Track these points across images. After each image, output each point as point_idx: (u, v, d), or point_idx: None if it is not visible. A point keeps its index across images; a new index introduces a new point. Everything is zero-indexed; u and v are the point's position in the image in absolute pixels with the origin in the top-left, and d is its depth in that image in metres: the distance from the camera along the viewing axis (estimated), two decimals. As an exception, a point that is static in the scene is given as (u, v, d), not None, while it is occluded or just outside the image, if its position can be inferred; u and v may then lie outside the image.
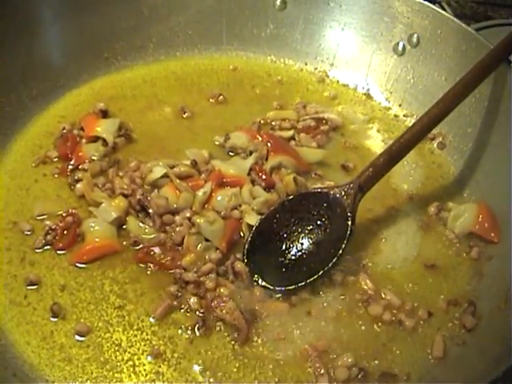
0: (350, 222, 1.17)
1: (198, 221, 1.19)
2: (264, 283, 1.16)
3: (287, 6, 1.60)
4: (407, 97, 1.52)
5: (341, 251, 1.16)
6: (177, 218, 1.23)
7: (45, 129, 1.44)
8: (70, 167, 1.34)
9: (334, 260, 1.16)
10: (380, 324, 1.13)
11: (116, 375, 1.05)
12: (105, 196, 1.27)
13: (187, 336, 1.09)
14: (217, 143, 1.41)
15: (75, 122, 1.43)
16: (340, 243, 1.16)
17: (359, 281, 1.17)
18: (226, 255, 1.19)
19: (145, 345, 1.08)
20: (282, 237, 1.20)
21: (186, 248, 1.18)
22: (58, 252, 1.20)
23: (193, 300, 1.12)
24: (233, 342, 1.08)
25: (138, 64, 1.61)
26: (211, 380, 1.05)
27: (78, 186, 1.29)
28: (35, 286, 1.16)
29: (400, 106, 1.53)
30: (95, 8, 1.55)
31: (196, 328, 1.10)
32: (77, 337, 1.09)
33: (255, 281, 1.16)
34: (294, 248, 1.19)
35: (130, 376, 1.05)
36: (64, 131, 1.41)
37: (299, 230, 1.20)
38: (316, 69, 1.62)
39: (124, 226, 1.24)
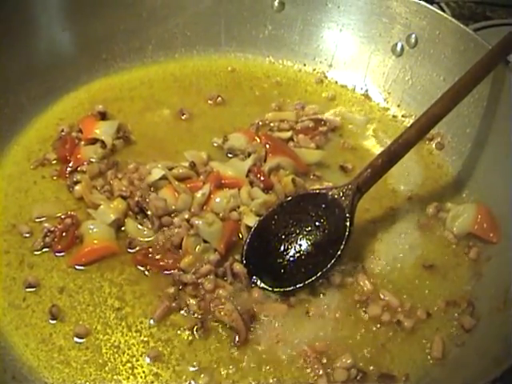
0: (348, 223, 1.17)
1: (197, 222, 1.19)
2: (262, 284, 1.16)
3: (285, 8, 1.60)
4: (405, 97, 1.52)
5: (339, 252, 1.16)
6: (175, 219, 1.23)
7: (43, 131, 1.44)
8: (69, 169, 1.34)
9: (333, 261, 1.16)
10: (379, 325, 1.13)
11: (115, 377, 1.05)
12: (103, 198, 1.27)
13: (186, 338, 1.09)
14: (215, 145, 1.41)
15: (74, 124, 1.43)
16: (338, 244, 1.16)
17: (358, 282, 1.18)
18: (225, 257, 1.19)
19: (143, 347, 1.08)
20: (281, 238, 1.20)
21: (185, 250, 1.19)
22: (57, 254, 1.21)
23: (191, 302, 1.12)
24: (231, 344, 1.08)
25: (137, 66, 1.61)
26: (210, 381, 1.05)
27: (77, 188, 1.29)
28: (34, 289, 1.16)
29: (398, 106, 1.53)
30: (93, 10, 1.55)
31: (195, 330, 1.10)
32: (75, 339, 1.09)
33: (254, 282, 1.16)
34: (293, 249, 1.19)
35: (128, 378, 1.05)
36: (62, 133, 1.41)
37: (298, 231, 1.20)
38: (314, 70, 1.62)
39: (123, 228, 1.24)
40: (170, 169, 1.30)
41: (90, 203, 1.27)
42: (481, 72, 1.25)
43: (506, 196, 1.24)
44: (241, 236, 1.23)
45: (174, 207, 1.24)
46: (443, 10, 1.63)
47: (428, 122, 1.26)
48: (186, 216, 1.22)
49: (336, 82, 1.60)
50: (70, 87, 1.53)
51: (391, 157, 1.24)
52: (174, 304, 1.13)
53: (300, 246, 1.19)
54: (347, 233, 1.17)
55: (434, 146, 1.44)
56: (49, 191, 1.32)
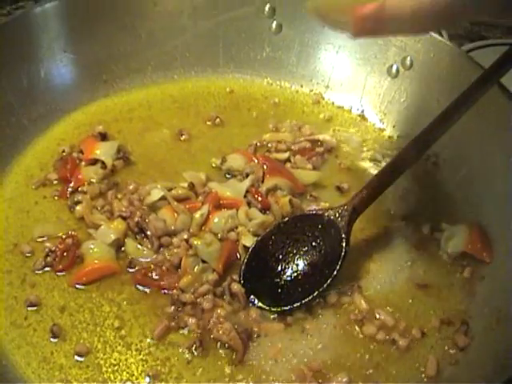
0: (344, 244, 1.19)
1: (195, 243, 1.21)
2: (260, 304, 1.17)
3: (283, 30, 1.62)
4: (401, 118, 1.54)
5: (335, 272, 1.18)
6: (174, 239, 1.24)
7: (45, 151, 1.46)
8: (70, 189, 1.36)
9: (329, 281, 1.17)
10: (374, 343, 1.14)
11: (114, 395, 1.07)
12: (104, 218, 1.29)
13: (185, 356, 1.11)
14: (214, 165, 1.43)
15: (74, 145, 1.45)
16: (334, 264, 1.18)
17: (353, 301, 1.19)
18: (223, 276, 1.20)
19: (143, 365, 1.10)
20: (278, 258, 1.21)
21: (184, 269, 1.20)
22: (58, 273, 1.22)
23: (190, 321, 1.14)
24: (229, 362, 1.10)
25: (136, 87, 1.63)
26: (208, 400, 1.06)
27: (78, 208, 1.31)
28: (35, 307, 1.17)
29: (394, 127, 1.54)
30: (93, 33, 1.57)
31: (193, 348, 1.11)
32: (76, 357, 1.11)
33: (251, 301, 1.18)
34: (290, 269, 1.20)
35: (128, 396, 1.07)
36: (63, 154, 1.43)
37: (294, 251, 1.22)
38: (311, 91, 1.64)
39: (122, 248, 1.25)
40: (170, 189, 1.32)
41: (91, 223, 1.28)
42: (475, 94, 1.26)
43: (499, 216, 1.26)
44: (239, 256, 1.24)
45: (173, 227, 1.26)
46: (439, 30, 1.64)
47: (423, 143, 1.28)
48: (185, 236, 1.24)
49: (333, 103, 1.62)
50: (70, 108, 1.55)
51: (387, 178, 1.26)
52: (172, 323, 1.14)
53: (297, 265, 1.20)
54: (343, 253, 1.19)
55: (429, 165, 1.45)
56: (50, 211, 1.33)
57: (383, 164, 1.41)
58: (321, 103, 1.62)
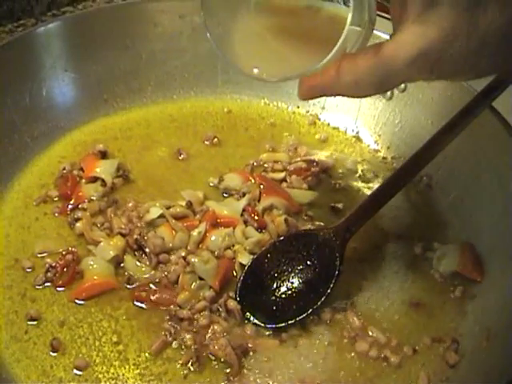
0: (338, 263, 1.21)
1: (193, 260, 1.23)
2: (255, 320, 1.19)
3: (280, 52, 1.64)
4: (395, 140, 1.56)
5: (329, 290, 1.20)
6: (172, 257, 1.26)
7: (46, 168, 1.48)
8: (70, 206, 1.37)
9: (323, 299, 1.19)
10: (367, 360, 1.16)
11: (113, 409, 1.09)
12: (103, 235, 1.31)
13: (181, 371, 1.12)
14: (211, 184, 1.45)
15: (75, 163, 1.47)
16: (329, 282, 1.20)
17: (347, 318, 1.20)
18: (219, 293, 1.22)
19: (140, 379, 1.11)
20: (273, 276, 1.23)
21: (181, 286, 1.22)
22: (58, 289, 1.24)
23: (187, 336, 1.15)
24: (225, 377, 1.11)
25: (136, 106, 1.65)
26: (204, 414, 1.08)
27: (78, 224, 1.33)
28: (35, 322, 1.19)
29: (388, 148, 1.57)
30: (95, 52, 1.60)
31: (190, 363, 1.13)
32: (75, 371, 1.12)
33: (247, 318, 1.19)
34: (285, 287, 1.22)
35: (126, 410, 1.09)
36: (64, 171, 1.44)
37: (289, 269, 1.23)
38: (308, 112, 1.66)
39: (121, 264, 1.27)
40: (168, 207, 1.34)
41: (91, 240, 1.30)
42: (467, 116, 1.28)
43: (490, 236, 1.28)
44: (235, 274, 1.26)
45: (171, 245, 1.28)
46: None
47: (416, 165, 1.30)
48: (183, 254, 1.26)
49: (328, 124, 1.64)
50: (71, 126, 1.57)
51: (381, 198, 1.28)
52: (170, 338, 1.16)
53: (292, 283, 1.22)
54: (337, 272, 1.21)
55: (421, 186, 1.47)
56: (50, 227, 1.35)
57: (377, 185, 1.43)
58: (317, 124, 1.65)
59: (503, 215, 1.26)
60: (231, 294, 1.22)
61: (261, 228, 1.32)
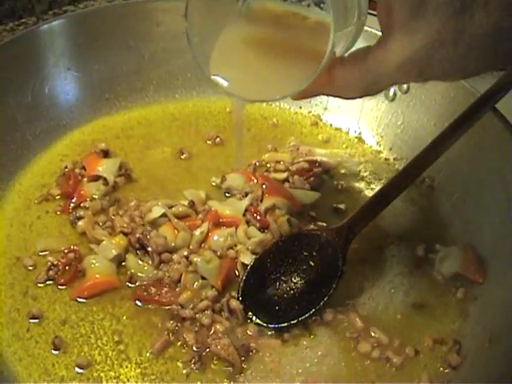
0: (340, 263, 1.21)
1: (195, 259, 1.23)
2: (258, 320, 1.19)
3: (283, 52, 1.64)
4: (397, 141, 1.56)
5: (332, 291, 1.20)
6: (175, 256, 1.26)
7: (48, 167, 1.48)
8: (72, 205, 1.37)
9: (325, 299, 1.19)
10: (369, 361, 1.16)
11: (114, 407, 1.09)
12: (105, 234, 1.31)
13: (183, 370, 1.12)
14: (213, 184, 1.45)
15: (77, 161, 1.47)
16: (331, 283, 1.20)
17: (349, 319, 1.20)
18: (222, 293, 1.22)
19: (143, 379, 1.11)
20: (276, 276, 1.23)
21: (183, 286, 1.22)
22: (60, 287, 1.23)
23: (189, 336, 1.15)
24: (227, 377, 1.11)
25: (138, 105, 1.66)
26: (206, 413, 1.08)
27: (80, 223, 1.33)
28: (37, 320, 1.19)
29: (390, 149, 1.57)
30: (97, 51, 1.60)
31: (192, 363, 1.13)
32: (77, 369, 1.12)
33: (249, 318, 1.19)
34: (287, 287, 1.22)
35: (128, 409, 1.09)
36: (66, 170, 1.44)
37: (292, 269, 1.23)
38: (310, 112, 1.67)
39: (123, 263, 1.27)
40: (170, 207, 1.34)
41: (93, 238, 1.30)
42: (470, 118, 1.28)
43: (492, 238, 1.28)
44: (237, 273, 1.26)
45: (173, 244, 1.28)
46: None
47: (419, 166, 1.30)
48: (185, 253, 1.26)
49: (331, 125, 1.65)
50: (73, 125, 1.58)
51: (383, 199, 1.28)
52: (172, 338, 1.16)
53: (294, 284, 1.22)
54: (339, 272, 1.21)
55: (424, 188, 1.47)
56: (52, 226, 1.35)
57: (379, 186, 1.43)
58: (319, 125, 1.65)
59: (505, 217, 1.26)
60: (233, 293, 1.22)
61: (263, 228, 1.32)
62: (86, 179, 1.42)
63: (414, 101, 1.53)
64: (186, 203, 1.36)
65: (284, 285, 1.22)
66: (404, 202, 1.42)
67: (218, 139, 1.57)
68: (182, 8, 1.27)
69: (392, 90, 1.56)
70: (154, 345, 1.15)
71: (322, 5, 1.05)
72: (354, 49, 1.05)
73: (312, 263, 1.23)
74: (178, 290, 1.22)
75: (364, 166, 1.54)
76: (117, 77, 1.64)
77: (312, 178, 1.46)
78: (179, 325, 1.17)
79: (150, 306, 1.21)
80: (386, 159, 1.56)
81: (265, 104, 1.67)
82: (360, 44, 1.05)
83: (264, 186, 1.39)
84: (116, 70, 1.63)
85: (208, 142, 1.57)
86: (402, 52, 0.94)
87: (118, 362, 1.14)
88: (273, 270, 1.24)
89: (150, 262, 1.26)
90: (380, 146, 1.59)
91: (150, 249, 1.26)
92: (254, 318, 1.19)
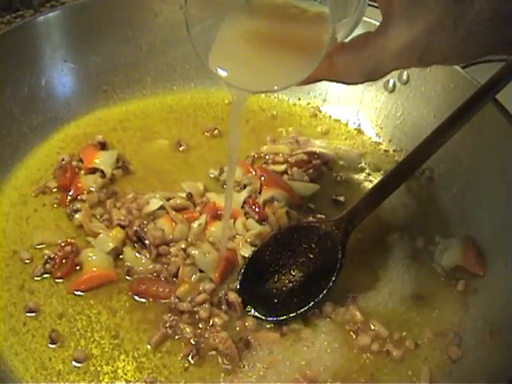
0: (340, 256, 1.20)
1: (193, 252, 1.22)
2: (256, 313, 1.18)
3: (281, 44, 1.63)
4: (397, 133, 1.55)
5: (331, 283, 1.19)
6: (172, 249, 1.25)
7: (44, 159, 1.47)
8: (69, 198, 1.37)
9: (325, 292, 1.18)
10: (368, 354, 1.15)
11: (112, 401, 1.08)
12: (102, 226, 1.30)
13: (181, 364, 1.12)
14: (212, 176, 1.44)
15: (74, 154, 1.46)
16: (330, 275, 1.19)
17: (349, 312, 1.20)
18: (220, 286, 1.21)
19: (140, 372, 1.11)
20: (274, 268, 1.22)
21: (181, 278, 1.21)
22: (57, 280, 1.23)
23: (187, 329, 1.15)
24: (225, 370, 1.11)
25: (136, 97, 1.64)
26: (204, 407, 1.07)
27: (77, 216, 1.32)
28: (34, 314, 1.18)
29: (390, 141, 1.56)
30: (95, 43, 1.59)
31: (190, 356, 1.12)
32: (74, 363, 1.11)
33: (248, 311, 1.19)
34: (286, 279, 1.21)
35: (125, 403, 1.08)
36: (63, 162, 1.43)
37: (291, 262, 1.23)
38: (309, 104, 1.66)
39: (121, 256, 1.26)
40: (168, 199, 1.33)
41: (90, 231, 1.29)
42: (470, 109, 1.28)
43: (492, 230, 1.28)
44: (236, 266, 1.25)
45: (171, 237, 1.27)
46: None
47: (418, 158, 1.29)
48: (183, 246, 1.25)
49: (330, 117, 1.63)
50: (70, 117, 1.56)
51: (383, 191, 1.27)
52: (169, 331, 1.15)
53: (293, 276, 1.21)
54: (339, 265, 1.20)
55: (423, 180, 1.46)
56: (49, 219, 1.34)
57: (379, 178, 1.43)
58: (318, 116, 1.64)
59: (506, 209, 1.25)
60: (232, 286, 1.21)
61: (262, 220, 1.31)
62: (83, 172, 1.42)
63: (414, 92, 1.52)
64: (183, 195, 1.35)
65: (283, 277, 1.22)
66: (403, 193, 1.41)
67: (216, 131, 1.56)
68: (179, -2, 1.27)
69: (391, 82, 1.55)
70: (152, 338, 1.14)
71: None
72: (354, 34, 1.04)
73: (311, 255, 1.23)
74: (174, 283, 1.22)
75: (363, 158, 1.53)
76: (114, 68, 1.62)
77: (311, 170, 1.45)
78: (177, 318, 1.17)
79: (147, 300, 1.20)
80: (386, 151, 1.55)
81: (263, 96, 1.66)
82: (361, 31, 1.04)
83: (262, 178, 1.38)
84: (113, 61, 1.62)
85: (206, 133, 1.56)
86: (402, 38, 0.94)
87: (115, 356, 1.13)
88: (271, 263, 1.23)
89: (148, 255, 1.25)
90: (379, 137, 1.58)
91: (147, 242, 1.25)
92: (252, 311, 1.19)
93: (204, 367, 1.12)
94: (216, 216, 1.31)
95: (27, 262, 1.26)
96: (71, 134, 1.54)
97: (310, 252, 1.23)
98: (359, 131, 1.60)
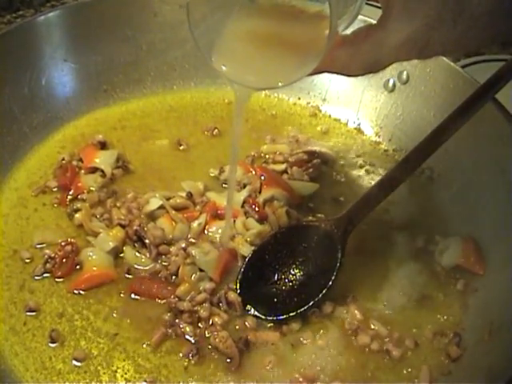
0: (339, 255, 1.20)
1: (193, 251, 1.22)
2: (256, 313, 1.18)
3: (280, 43, 1.63)
4: (397, 132, 1.55)
5: (331, 283, 1.19)
6: (172, 248, 1.25)
7: (44, 159, 1.47)
8: (69, 197, 1.37)
9: (324, 291, 1.19)
10: (368, 353, 1.15)
11: (112, 400, 1.08)
12: (102, 226, 1.30)
13: (181, 363, 1.12)
14: (212, 175, 1.44)
15: (74, 153, 1.46)
16: (330, 275, 1.19)
17: (348, 311, 1.20)
18: (220, 285, 1.21)
19: (140, 372, 1.11)
20: (274, 268, 1.22)
21: (181, 278, 1.21)
22: (57, 280, 1.23)
23: (187, 329, 1.15)
24: (225, 370, 1.11)
25: (136, 97, 1.64)
26: (204, 406, 1.07)
27: (77, 215, 1.32)
28: (34, 313, 1.18)
29: (390, 140, 1.56)
30: (95, 43, 1.59)
31: (190, 356, 1.12)
32: (74, 362, 1.11)
33: (247, 310, 1.19)
34: (286, 279, 1.21)
35: (125, 401, 1.08)
36: (63, 162, 1.44)
37: (291, 261, 1.23)
38: (309, 103, 1.66)
39: (121, 255, 1.27)
40: (168, 199, 1.33)
41: (90, 231, 1.29)
42: (470, 109, 1.27)
43: (492, 229, 1.28)
44: (235, 265, 1.25)
45: (171, 236, 1.27)
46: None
47: (418, 157, 1.28)
48: (183, 245, 1.25)
49: (329, 116, 1.64)
50: (70, 117, 1.56)
51: (382, 190, 1.27)
52: (170, 330, 1.15)
53: (293, 275, 1.22)
54: (338, 264, 1.20)
55: (423, 179, 1.46)
56: (49, 218, 1.34)
57: (378, 177, 1.43)
58: (318, 116, 1.64)
59: (505, 208, 1.25)
60: (232, 285, 1.21)
61: (262, 219, 1.31)
62: (83, 171, 1.42)
63: (414, 91, 1.52)
64: (183, 195, 1.35)
65: (283, 277, 1.22)
66: (403, 193, 1.41)
67: (216, 130, 1.56)
68: (179, -2, 1.27)
69: (391, 81, 1.55)
70: (152, 338, 1.14)
71: None
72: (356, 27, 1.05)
73: (311, 255, 1.23)
74: (174, 283, 1.22)
75: (363, 157, 1.53)
76: (114, 68, 1.62)
77: (311, 170, 1.45)
78: (177, 318, 1.17)
79: (147, 299, 1.21)
80: (386, 150, 1.55)
81: (263, 95, 1.66)
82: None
83: (262, 178, 1.38)
84: (113, 61, 1.62)
85: (206, 133, 1.56)
86: (401, 32, 0.95)
87: (116, 355, 1.13)
88: (271, 262, 1.23)
89: (148, 255, 1.26)
90: (379, 136, 1.58)
91: (147, 241, 1.26)
92: (252, 310, 1.19)
93: (204, 366, 1.12)
94: (216, 215, 1.32)
95: (27, 261, 1.26)
96: (71, 134, 1.54)
97: (310, 251, 1.23)
98: (359, 131, 1.60)
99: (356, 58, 1.01)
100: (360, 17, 1.10)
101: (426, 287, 1.26)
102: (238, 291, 1.20)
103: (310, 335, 1.17)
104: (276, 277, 1.22)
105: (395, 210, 1.39)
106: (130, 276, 1.24)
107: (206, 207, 1.32)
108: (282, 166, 1.45)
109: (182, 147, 1.52)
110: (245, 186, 1.37)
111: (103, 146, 1.48)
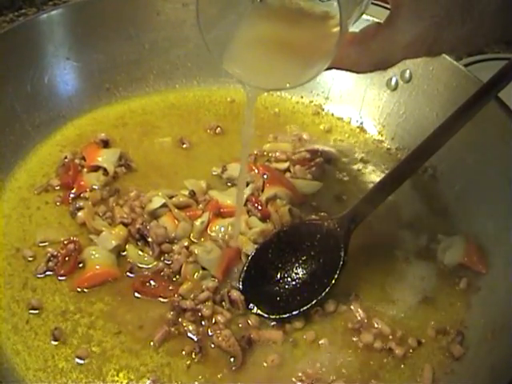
0: (342, 253, 1.20)
1: (196, 250, 1.22)
2: (259, 311, 1.18)
3: (283, 41, 1.63)
4: (399, 131, 1.55)
5: (333, 281, 1.19)
6: (175, 246, 1.25)
7: (47, 157, 1.47)
8: (72, 196, 1.37)
9: (327, 290, 1.19)
10: (371, 352, 1.15)
11: (115, 399, 1.08)
12: (105, 224, 1.30)
13: (184, 362, 1.12)
14: (214, 174, 1.44)
15: (77, 152, 1.46)
16: (333, 273, 1.19)
17: (351, 310, 1.20)
18: (222, 283, 1.21)
19: (143, 370, 1.11)
20: (277, 266, 1.22)
21: (184, 276, 1.21)
22: (60, 278, 1.23)
23: (190, 327, 1.15)
24: (228, 368, 1.11)
25: (138, 95, 1.64)
26: (207, 405, 1.07)
27: (80, 214, 1.32)
28: (37, 311, 1.18)
29: (393, 139, 1.56)
30: (97, 41, 1.59)
31: (193, 354, 1.12)
32: (77, 361, 1.11)
33: (250, 309, 1.19)
34: (289, 277, 1.21)
35: (128, 400, 1.08)
36: (66, 160, 1.43)
37: (293, 259, 1.23)
38: (311, 102, 1.65)
39: (124, 253, 1.27)
40: (171, 197, 1.33)
41: (92, 229, 1.29)
42: (473, 107, 1.27)
43: (495, 228, 1.28)
44: (238, 264, 1.24)
45: (173, 235, 1.27)
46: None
47: (421, 156, 1.29)
48: (186, 243, 1.25)
49: (332, 115, 1.63)
50: (73, 115, 1.56)
51: (385, 189, 1.27)
52: (172, 329, 1.15)
53: (296, 274, 1.21)
54: (341, 262, 1.20)
55: (426, 177, 1.46)
56: (52, 217, 1.34)
57: (381, 175, 1.42)
58: (320, 114, 1.64)
59: (508, 207, 1.25)
60: (234, 284, 1.21)
61: (264, 218, 1.31)
62: (85, 170, 1.42)
63: (417, 90, 1.52)
64: (186, 193, 1.35)
65: (285, 275, 1.22)
66: (406, 191, 1.40)
67: (219, 129, 1.56)
68: (182, -4, 1.28)
69: (394, 80, 1.55)
70: (155, 336, 1.14)
71: None
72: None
73: (313, 253, 1.23)
74: (176, 282, 1.22)
75: (366, 156, 1.53)
76: (117, 66, 1.62)
77: (313, 168, 1.45)
78: (180, 316, 1.17)
79: (150, 297, 1.20)
80: (388, 149, 1.55)
81: (266, 93, 1.65)
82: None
83: (265, 176, 1.38)
84: (116, 59, 1.62)
85: (209, 131, 1.56)
86: (410, 30, 0.95)
87: (118, 354, 1.13)
88: (274, 261, 1.23)
89: (151, 253, 1.25)
90: (382, 135, 1.57)
91: (150, 239, 1.26)
92: (255, 308, 1.19)
93: (207, 365, 1.12)
94: (219, 214, 1.32)
95: (30, 259, 1.26)
96: (74, 132, 1.54)
97: (313, 250, 1.23)
98: (362, 129, 1.60)
99: (365, 55, 1.01)
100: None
101: (428, 286, 1.26)
102: (241, 289, 1.20)
103: (313, 334, 1.16)
104: (279, 275, 1.22)
105: (397, 209, 1.39)
106: (133, 274, 1.24)
107: (208, 206, 1.32)
108: (285, 165, 1.45)
109: (184, 145, 1.51)
110: (247, 185, 1.36)
111: (106, 144, 1.48)
